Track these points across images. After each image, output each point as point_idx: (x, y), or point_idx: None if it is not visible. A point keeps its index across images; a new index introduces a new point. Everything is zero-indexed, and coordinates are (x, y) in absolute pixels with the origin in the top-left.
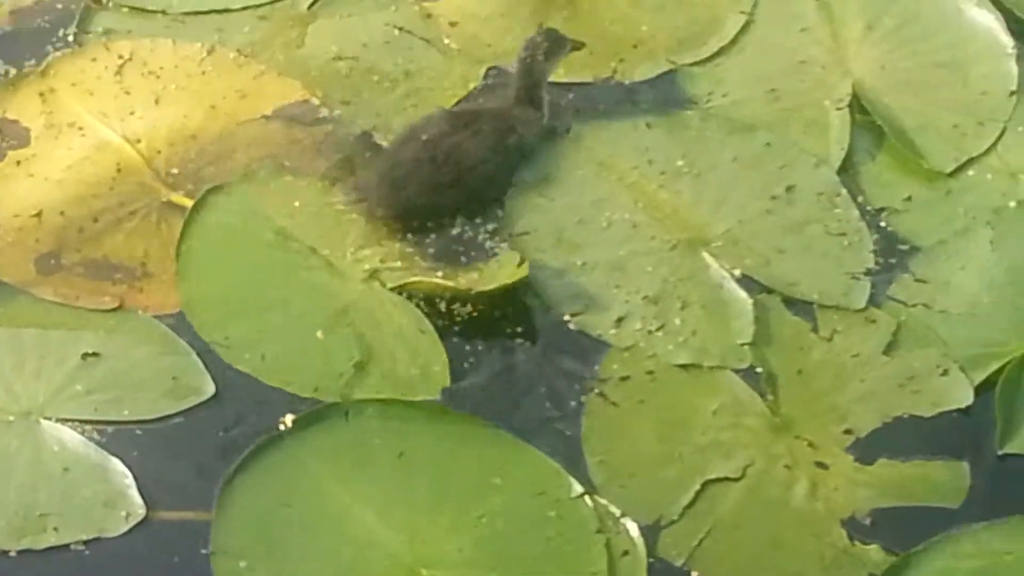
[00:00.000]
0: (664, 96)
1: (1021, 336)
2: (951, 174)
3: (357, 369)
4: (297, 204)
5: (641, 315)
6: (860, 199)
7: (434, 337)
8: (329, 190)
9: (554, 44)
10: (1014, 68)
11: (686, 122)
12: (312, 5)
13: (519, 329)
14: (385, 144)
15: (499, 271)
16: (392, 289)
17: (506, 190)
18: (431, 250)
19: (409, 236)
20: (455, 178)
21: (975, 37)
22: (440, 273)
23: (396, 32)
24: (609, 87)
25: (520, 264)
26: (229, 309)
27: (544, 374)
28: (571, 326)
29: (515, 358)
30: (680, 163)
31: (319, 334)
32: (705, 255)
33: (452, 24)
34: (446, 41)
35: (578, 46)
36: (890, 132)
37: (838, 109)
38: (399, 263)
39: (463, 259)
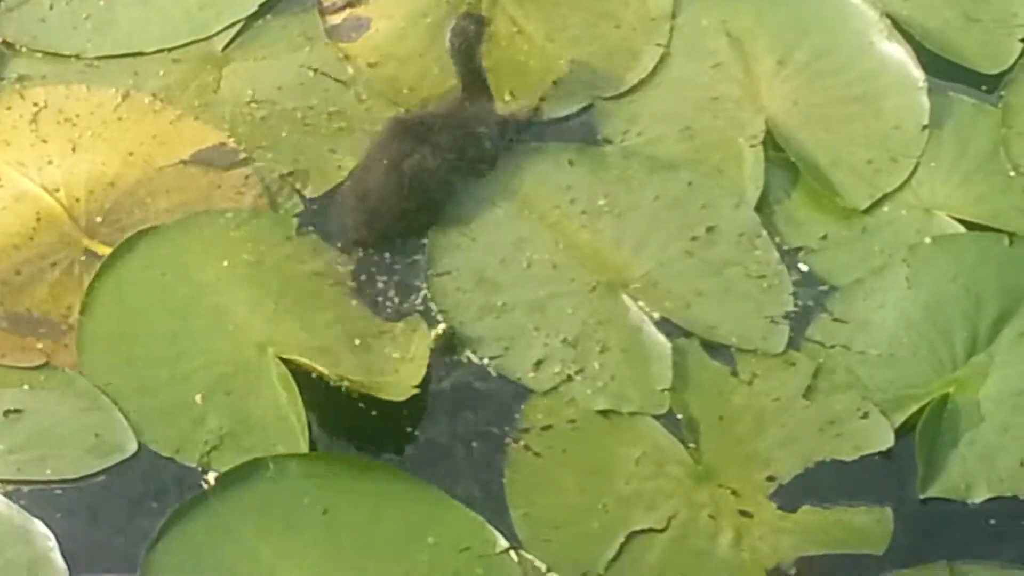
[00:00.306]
0: (581, 133)
1: (940, 376)
2: (866, 211)
3: (222, 439)
4: (213, 254)
5: (560, 358)
6: (776, 239)
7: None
8: (248, 239)
9: (479, 24)
10: (925, 101)
11: (608, 160)
12: (226, 47)
13: (440, 374)
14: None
15: (403, 370)
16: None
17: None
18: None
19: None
20: (423, 202)
21: (886, 71)
22: (339, 368)
23: (311, 74)
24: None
25: (436, 338)
26: (119, 359)
27: (465, 422)
28: (491, 370)
29: (435, 406)
30: (602, 202)
31: (198, 398)
32: (625, 297)
33: (371, 65)
34: (363, 83)
35: (489, 21)
36: (804, 169)
37: (752, 146)
38: (302, 334)
39: (385, 311)
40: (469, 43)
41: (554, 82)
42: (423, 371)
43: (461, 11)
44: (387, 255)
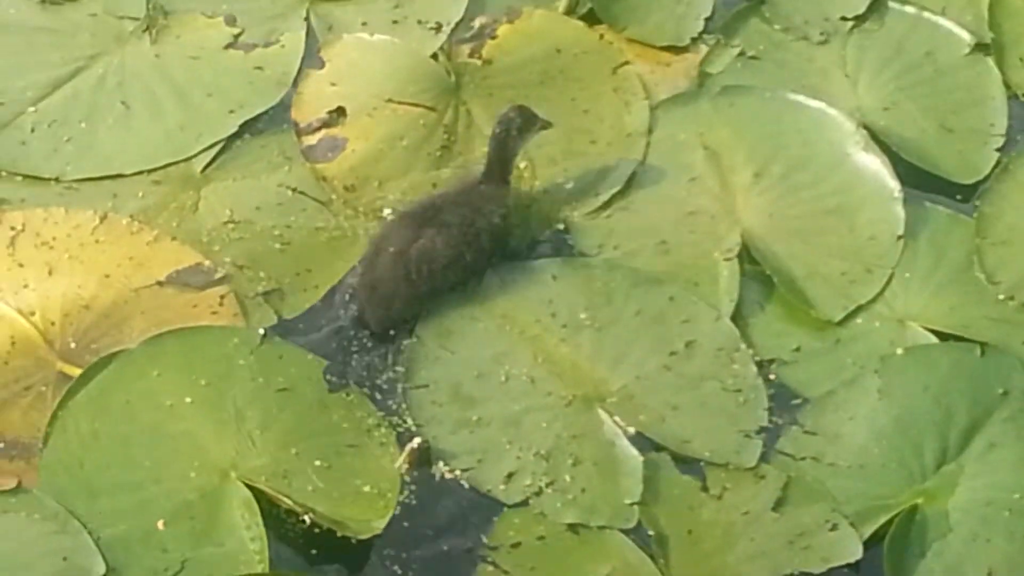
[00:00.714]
0: (556, 249)
1: (910, 487)
2: (840, 323)
3: (183, 564)
4: (180, 377)
5: (532, 471)
6: (751, 351)
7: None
8: (216, 359)
9: (527, 120)
10: (900, 212)
11: (592, 274)
12: (205, 168)
13: (411, 488)
14: None
15: (371, 505)
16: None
17: (484, 271)
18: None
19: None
20: (432, 286)
21: (862, 182)
22: (304, 497)
23: (290, 193)
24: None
25: (411, 452)
26: (81, 484)
27: (434, 539)
28: (463, 482)
29: (404, 522)
30: (583, 316)
31: (160, 524)
32: (600, 411)
33: (347, 188)
34: (341, 203)
35: (547, 125)
36: (779, 282)
37: (727, 260)
38: (266, 457)
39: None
40: (510, 134)
41: (528, 205)
42: (391, 510)
43: (515, 105)
44: (363, 366)
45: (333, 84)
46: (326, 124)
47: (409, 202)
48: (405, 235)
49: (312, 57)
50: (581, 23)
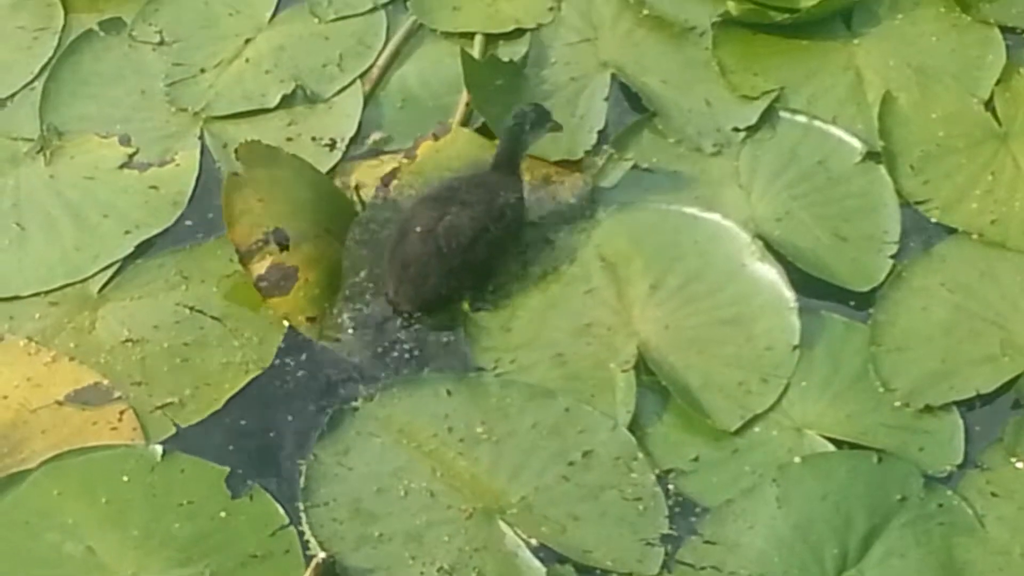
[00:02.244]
0: (455, 362)
1: None
2: (737, 432)
3: None
4: (79, 496)
5: None
6: (649, 461)
7: None
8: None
9: (540, 117)
10: (796, 322)
11: (487, 389)
12: (102, 289)
13: None
14: None
15: None
16: None
17: (507, 258)
18: None
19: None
20: (463, 260)
21: (758, 292)
22: None
23: (187, 312)
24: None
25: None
26: None
27: None
28: None
29: None
30: (480, 430)
31: None
32: (501, 524)
33: (310, 319)
34: (239, 320)
35: (557, 127)
36: (675, 392)
37: (623, 371)
38: None
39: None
40: (523, 128)
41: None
42: None
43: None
44: (266, 481)
45: (261, 201)
46: (270, 247)
47: (427, 187)
48: (430, 215)
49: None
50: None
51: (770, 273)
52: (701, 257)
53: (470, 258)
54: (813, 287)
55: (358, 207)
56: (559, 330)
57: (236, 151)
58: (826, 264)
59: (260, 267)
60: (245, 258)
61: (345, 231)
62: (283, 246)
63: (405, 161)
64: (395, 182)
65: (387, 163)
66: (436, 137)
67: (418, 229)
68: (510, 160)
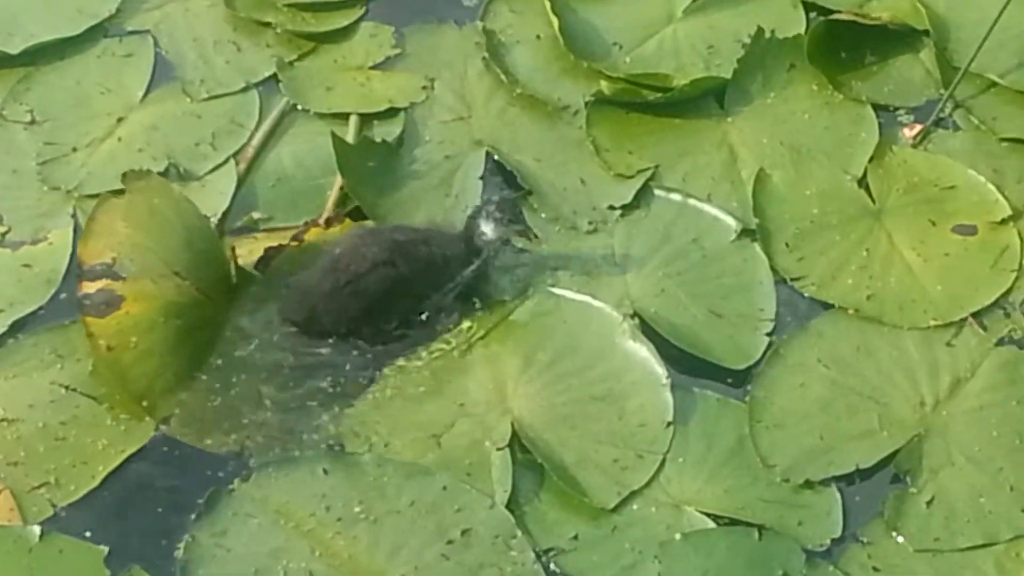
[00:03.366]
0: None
1: None
2: (615, 509)
3: None
4: None
5: None
6: (527, 539)
7: None
8: None
9: (502, 212)
10: (669, 398)
11: (363, 468)
12: None
13: None
14: None
15: None
16: None
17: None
18: None
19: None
20: (355, 288)
21: (630, 368)
22: None
23: (63, 391)
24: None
25: None
26: None
27: None
28: None
29: None
30: (357, 509)
31: None
32: None
33: (109, 349)
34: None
35: (524, 232)
36: (551, 470)
37: (499, 449)
38: None
39: None
40: (475, 221)
41: (261, 429)
42: None
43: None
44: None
45: (125, 224)
46: (107, 275)
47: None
48: (351, 242)
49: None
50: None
51: (641, 351)
52: (570, 335)
53: (363, 287)
54: (689, 364)
55: (232, 269)
56: (433, 410)
57: (124, 174)
58: (702, 341)
59: (91, 287)
60: (84, 275)
61: (199, 279)
62: (120, 275)
63: (293, 244)
64: (276, 259)
65: (262, 240)
66: (328, 224)
67: (336, 251)
68: (466, 240)
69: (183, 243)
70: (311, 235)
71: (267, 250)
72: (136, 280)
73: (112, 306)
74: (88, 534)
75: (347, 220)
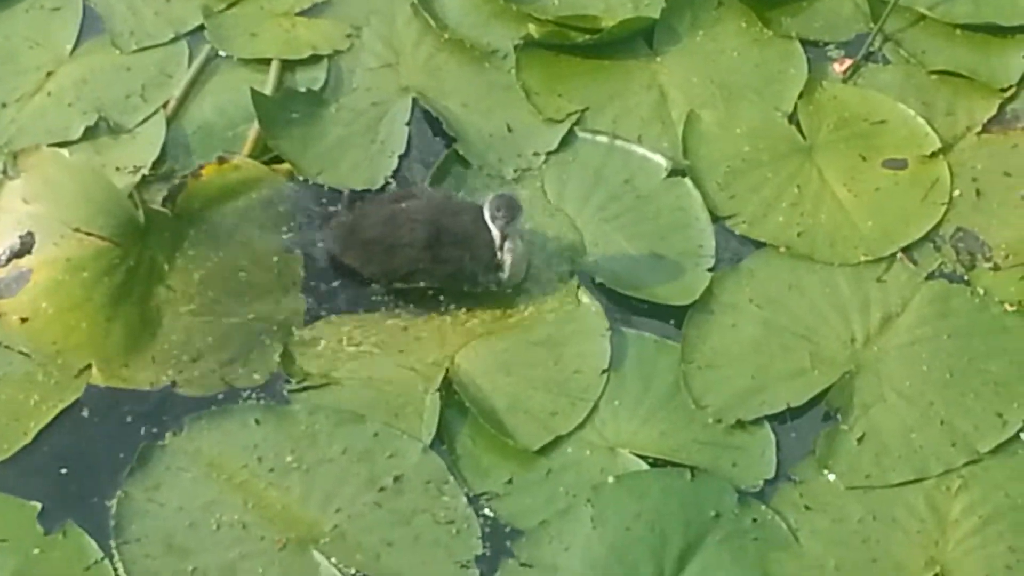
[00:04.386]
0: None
1: None
2: (546, 453)
3: None
4: None
5: None
6: (463, 485)
7: None
8: None
9: (506, 209)
10: (607, 347)
11: (294, 416)
12: None
13: None
14: None
15: None
16: None
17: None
18: None
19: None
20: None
21: (573, 319)
22: None
23: None
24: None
25: None
26: None
27: None
28: None
29: None
30: (290, 459)
31: None
32: (315, 553)
33: (23, 320)
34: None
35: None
36: (479, 414)
37: (430, 393)
38: None
39: None
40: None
41: (194, 359)
42: None
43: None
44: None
45: (26, 202)
46: (16, 254)
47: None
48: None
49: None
50: (279, 173)
51: (584, 296)
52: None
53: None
54: (631, 305)
55: (140, 213)
56: (366, 357)
57: (14, 155)
58: (644, 282)
59: (2, 272)
60: None
61: (101, 229)
62: (27, 250)
63: (191, 179)
64: (180, 196)
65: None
66: (221, 161)
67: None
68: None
69: (79, 201)
70: (207, 171)
71: (169, 189)
72: (41, 249)
73: (23, 281)
74: (21, 491)
75: (237, 158)
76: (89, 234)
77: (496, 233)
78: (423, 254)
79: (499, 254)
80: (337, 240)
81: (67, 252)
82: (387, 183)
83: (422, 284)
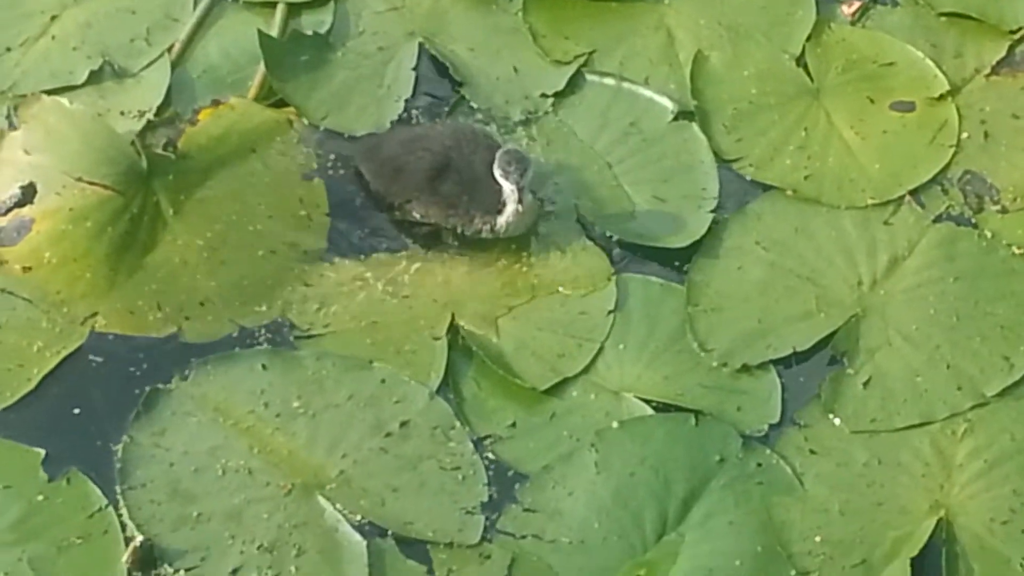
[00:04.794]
0: (271, 336)
1: (631, 559)
2: (553, 394)
3: None
4: None
5: (256, 565)
6: (466, 429)
7: None
8: None
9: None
10: (613, 289)
11: (301, 362)
12: None
13: None
14: None
15: None
16: None
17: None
18: None
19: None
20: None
21: (577, 263)
22: None
23: None
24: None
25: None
26: None
27: None
28: None
29: None
30: (296, 404)
31: None
32: (321, 499)
33: (25, 269)
34: (54, 299)
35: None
36: (485, 356)
37: (436, 339)
38: None
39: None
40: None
41: (201, 303)
42: None
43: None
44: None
45: (27, 153)
46: (18, 203)
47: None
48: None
49: (9, 116)
50: (280, 115)
51: (587, 242)
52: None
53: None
54: (635, 248)
55: (142, 159)
56: (375, 303)
57: (15, 107)
58: (646, 225)
59: (3, 221)
60: None
61: (104, 177)
62: (29, 200)
63: (190, 126)
64: (180, 141)
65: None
66: (216, 104)
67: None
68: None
69: (82, 150)
70: (203, 115)
71: (168, 136)
72: (42, 199)
73: (24, 230)
74: (25, 438)
75: (233, 99)
76: (91, 183)
77: (509, 188)
78: (423, 184)
79: (512, 205)
80: (362, 151)
81: (69, 202)
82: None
83: (417, 217)
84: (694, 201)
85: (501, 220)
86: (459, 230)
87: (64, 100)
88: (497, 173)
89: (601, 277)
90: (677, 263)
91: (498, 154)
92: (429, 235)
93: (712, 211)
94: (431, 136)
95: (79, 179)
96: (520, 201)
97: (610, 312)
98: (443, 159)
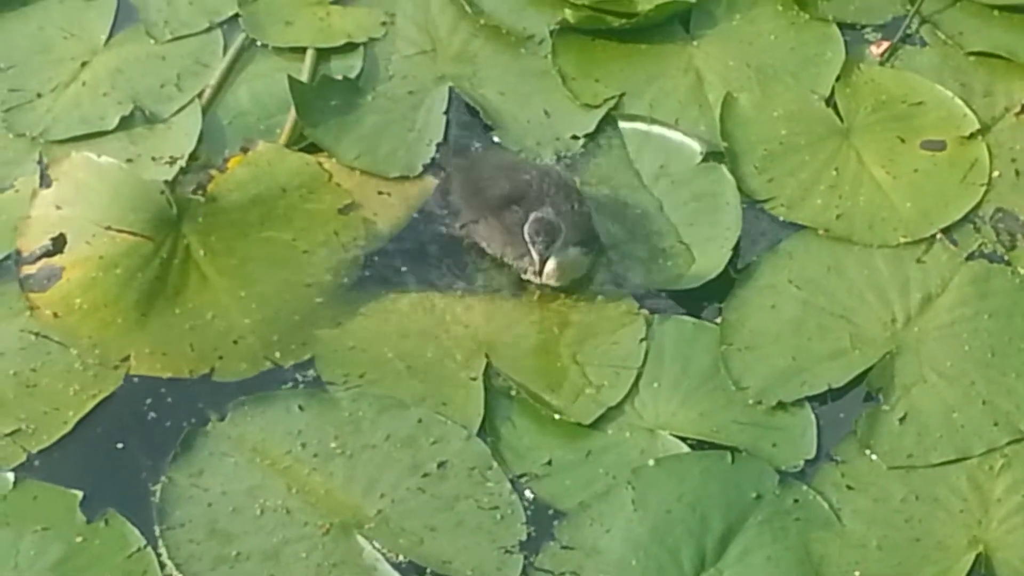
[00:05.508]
0: (303, 379)
1: None
2: (590, 433)
3: None
4: None
5: None
6: (503, 468)
7: None
8: None
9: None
10: (643, 323)
11: (339, 403)
12: None
13: None
14: None
15: None
16: None
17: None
18: None
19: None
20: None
21: (606, 304)
22: None
23: (32, 338)
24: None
25: None
26: None
27: None
28: None
29: None
30: (333, 444)
31: None
32: (359, 538)
33: (56, 316)
34: (86, 345)
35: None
36: (528, 395)
37: (472, 379)
38: None
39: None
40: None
41: (235, 342)
42: None
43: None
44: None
45: (58, 208)
46: (47, 253)
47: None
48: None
49: (42, 175)
50: (310, 158)
51: (612, 281)
52: None
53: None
54: (663, 287)
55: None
56: (407, 343)
57: (47, 166)
58: (673, 268)
59: (32, 268)
60: (23, 261)
61: (132, 224)
62: (59, 250)
63: (219, 172)
64: (210, 187)
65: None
66: (244, 151)
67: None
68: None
69: (110, 200)
70: (233, 163)
71: (198, 182)
72: (72, 249)
73: (54, 278)
74: (62, 480)
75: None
76: (120, 231)
77: (535, 256)
78: (494, 207)
79: (535, 269)
80: (459, 165)
81: (99, 250)
82: None
83: (480, 241)
84: (718, 243)
85: (548, 267)
86: (512, 266)
87: (92, 154)
88: (526, 235)
89: (631, 314)
90: (706, 302)
91: (531, 216)
92: (467, 274)
93: (736, 254)
94: (519, 167)
95: (108, 228)
96: (539, 273)
97: (642, 340)
98: (519, 190)
